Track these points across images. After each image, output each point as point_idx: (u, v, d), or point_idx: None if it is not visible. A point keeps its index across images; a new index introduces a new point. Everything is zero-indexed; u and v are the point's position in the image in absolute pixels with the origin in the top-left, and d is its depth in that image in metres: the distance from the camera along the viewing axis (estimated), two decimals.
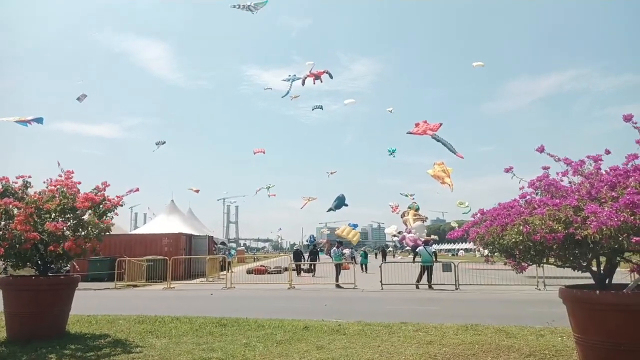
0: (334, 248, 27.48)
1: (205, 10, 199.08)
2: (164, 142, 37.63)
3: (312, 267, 29.63)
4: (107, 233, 10.27)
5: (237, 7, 24.58)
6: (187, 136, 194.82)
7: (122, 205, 11.39)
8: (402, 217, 46.94)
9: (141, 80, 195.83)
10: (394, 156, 37.11)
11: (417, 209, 45.03)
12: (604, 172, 8.28)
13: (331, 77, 29.86)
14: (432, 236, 36.96)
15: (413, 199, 48.83)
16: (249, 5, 24.62)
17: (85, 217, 9.65)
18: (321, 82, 29.21)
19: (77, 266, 20.12)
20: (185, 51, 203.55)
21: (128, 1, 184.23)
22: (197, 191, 53.36)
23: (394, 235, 52.01)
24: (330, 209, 40.80)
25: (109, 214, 10.81)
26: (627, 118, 8.08)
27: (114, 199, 10.86)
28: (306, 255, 36.26)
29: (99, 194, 10.63)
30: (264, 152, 40.49)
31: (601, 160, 8.10)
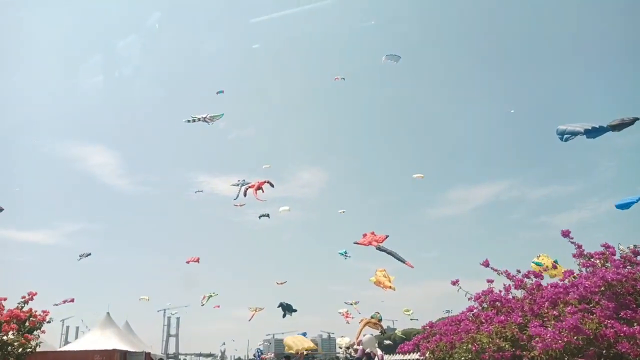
0: None
1: (152, 116, 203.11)
2: (89, 254, 35.37)
3: None
4: (31, 351, 9.33)
5: (191, 121, 25.14)
6: (130, 243, 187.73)
7: (49, 322, 10.56)
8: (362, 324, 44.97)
9: (84, 186, 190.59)
10: (349, 256, 36.42)
11: (380, 320, 43.70)
12: (545, 286, 8.57)
13: (272, 186, 29.86)
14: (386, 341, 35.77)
15: (360, 311, 47.76)
16: (204, 117, 25.24)
17: (9, 335, 8.81)
18: (262, 191, 29.15)
19: None
20: (131, 157, 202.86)
21: (71, 107, 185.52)
22: (148, 299, 50.52)
23: (347, 348, 49.75)
24: (281, 304, 38.91)
25: (34, 332, 9.92)
26: (565, 234, 8.57)
27: (40, 315, 10.04)
28: None
29: (25, 308, 9.81)
30: (197, 262, 38.53)
31: (542, 276, 8.41)
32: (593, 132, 12.61)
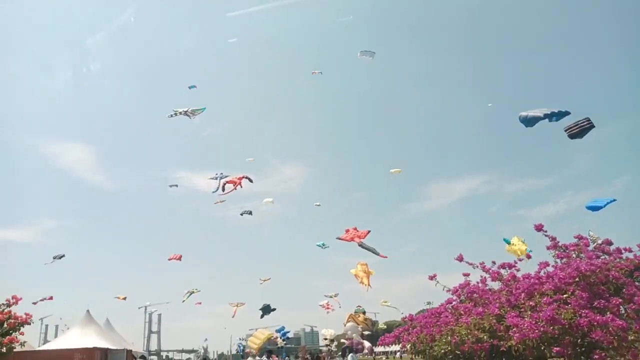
0: (264, 357, 26.12)
1: (127, 112, 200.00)
2: (63, 256, 34.63)
3: None
4: (11, 351, 9.23)
5: (174, 115, 25.06)
6: (109, 240, 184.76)
7: (30, 324, 10.44)
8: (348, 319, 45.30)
9: (60, 183, 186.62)
10: (328, 246, 36.57)
11: (364, 312, 44.27)
12: (520, 277, 8.78)
13: (251, 181, 29.81)
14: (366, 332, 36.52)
15: (341, 303, 48.13)
16: (186, 111, 25.16)
17: None
18: (241, 187, 29.13)
19: None
20: (107, 153, 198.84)
21: (44, 103, 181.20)
22: (124, 298, 49.89)
23: (332, 340, 50.08)
24: (263, 315, 39.27)
25: (14, 333, 9.80)
26: (538, 228, 8.77)
27: (21, 316, 9.93)
28: None
29: (5, 310, 9.70)
30: (179, 259, 38.05)
31: (517, 268, 8.61)
32: (552, 116, 13.45)
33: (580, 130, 12.96)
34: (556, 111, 13.66)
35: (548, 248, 8.62)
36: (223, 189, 29.34)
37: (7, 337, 8.58)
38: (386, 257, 26.07)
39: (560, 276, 7.16)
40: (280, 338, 52.78)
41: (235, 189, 28.90)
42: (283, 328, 54.59)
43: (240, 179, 29.21)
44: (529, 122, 13.72)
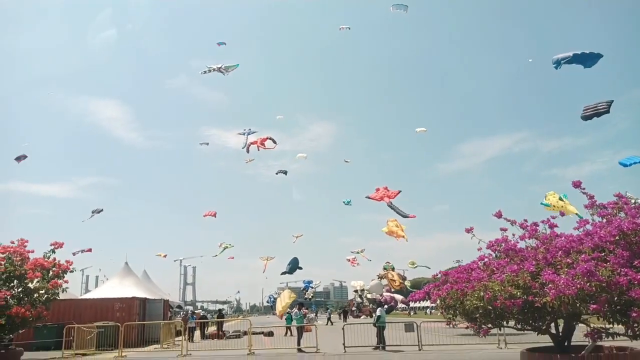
0: (295, 310, 26.84)
1: (161, 69, 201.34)
2: (101, 210, 35.71)
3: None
4: (56, 298, 9.71)
5: (207, 72, 25.15)
6: (144, 195, 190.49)
7: (72, 272, 10.95)
8: (379, 278, 46.06)
9: (96, 140, 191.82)
10: (351, 205, 37.15)
11: (392, 269, 44.86)
12: (559, 233, 8.61)
13: (275, 142, 29.88)
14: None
15: (370, 258, 48.83)
16: (219, 68, 25.20)
17: (34, 283, 9.20)
18: (264, 148, 29.25)
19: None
20: (141, 111, 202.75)
21: (84, 62, 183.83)
22: (165, 256, 51.75)
23: (362, 290, 51.14)
24: (284, 272, 40.17)
25: (58, 280, 10.32)
26: (576, 184, 8.53)
27: (63, 264, 10.41)
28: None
29: (50, 257, 10.21)
30: (214, 216, 38.82)
31: (556, 225, 8.43)
32: (585, 60, 13.22)
33: (594, 114, 12.83)
34: (587, 52, 13.50)
35: (586, 207, 8.39)
36: (248, 151, 29.70)
37: (54, 281, 9.04)
38: (414, 216, 26.09)
39: (601, 235, 7.00)
40: (307, 290, 54.40)
41: (259, 149, 29.13)
42: (310, 282, 56.13)
43: (263, 140, 29.36)
44: (559, 63, 13.58)
